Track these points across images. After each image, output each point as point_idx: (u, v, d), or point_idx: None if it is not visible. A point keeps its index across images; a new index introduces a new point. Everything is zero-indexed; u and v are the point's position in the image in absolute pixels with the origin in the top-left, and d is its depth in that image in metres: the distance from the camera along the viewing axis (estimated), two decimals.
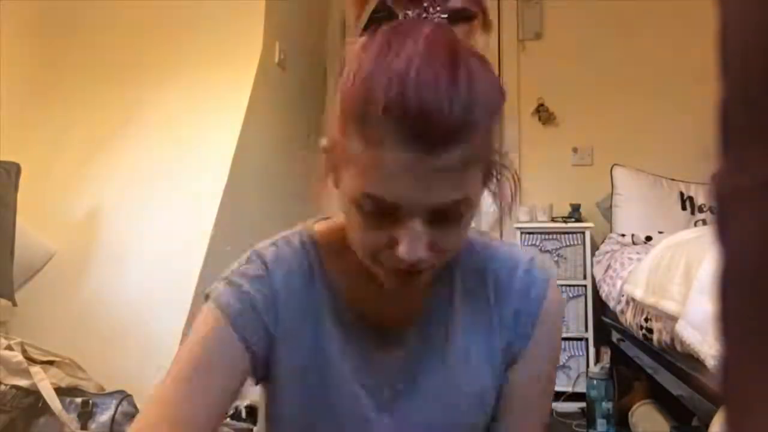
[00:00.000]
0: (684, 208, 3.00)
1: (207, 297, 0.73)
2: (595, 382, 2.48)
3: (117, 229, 2.26)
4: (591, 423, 2.49)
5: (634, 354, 2.43)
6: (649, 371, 2.24)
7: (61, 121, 2.57)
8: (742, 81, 0.25)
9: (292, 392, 0.72)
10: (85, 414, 1.68)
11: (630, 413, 2.52)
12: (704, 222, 2.92)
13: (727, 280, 0.26)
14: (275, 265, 0.72)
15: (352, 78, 0.58)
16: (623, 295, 2.32)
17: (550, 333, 0.76)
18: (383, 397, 0.72)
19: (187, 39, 2.55)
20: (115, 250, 2.22)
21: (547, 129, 3.48)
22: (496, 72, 2.98)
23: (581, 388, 2.76)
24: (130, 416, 1.72)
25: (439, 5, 0.61)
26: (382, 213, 0.59)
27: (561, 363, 3.00)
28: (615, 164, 3.13)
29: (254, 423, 1.66)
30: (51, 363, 1.74)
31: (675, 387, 1.88)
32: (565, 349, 3.01)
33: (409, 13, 0.61)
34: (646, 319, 2.00)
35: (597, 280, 2.83)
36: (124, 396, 1.74)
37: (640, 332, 2.07)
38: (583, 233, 3.04)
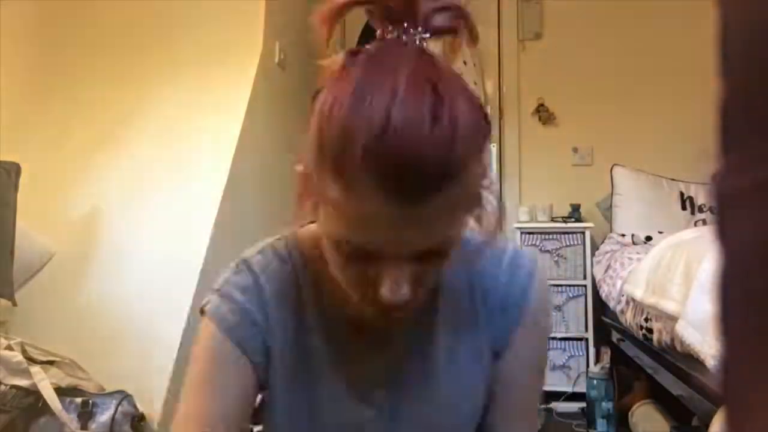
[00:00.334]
0: (684, 208, 3.00)
1: (202, 311, 0.73)
2: (595, 382, 2.48)
3: (117, 229, 2.26)
4: (591, 423, 2.49)
5: (634, 354, 2.43)
6: (649, 371, 2.24)
7: (61, 121, 2.57)
8: (742, 81, 0.25)
9: (285, 399, 0.73)
10: (85, 414, 1.68)
11: (630, 413, 2.53)
12: (704, 222, 2.92)
13: (727, 280, 0.26)
14: (264, 275, 0.72)
15: (329, 114, 0.54)
16: (623, 295, 2.32)
17: (538, 322, 0.76)
18: (374, 400, 0.73)
19: (187, 39, 2.55)
20: (115, 250, 2.22)
21: (547, 129, 3.48)
22: (497, 72, 2.94)
23: (581, 388, 2.76)
24: (130, 416, 1.72)
25: (420, 25, 0.57)
26: (362, 255, 0.57)
27: (561, 363, 3.00)
28: (615, 164, 3.13)
29: (257, 423, 1.65)
30: (51, 363, 1.74)
31: (675, 387, 1.88)
32: (565, 349, 3.01)
33: (390, 31, 0.57)
34: (646, 319, 2.00)
35: (597, 280, 2.83)
36: (124, 396, 1.74)
37: (640, 332, 2.07)
38: (583, 233, 3.04)
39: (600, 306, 2.90)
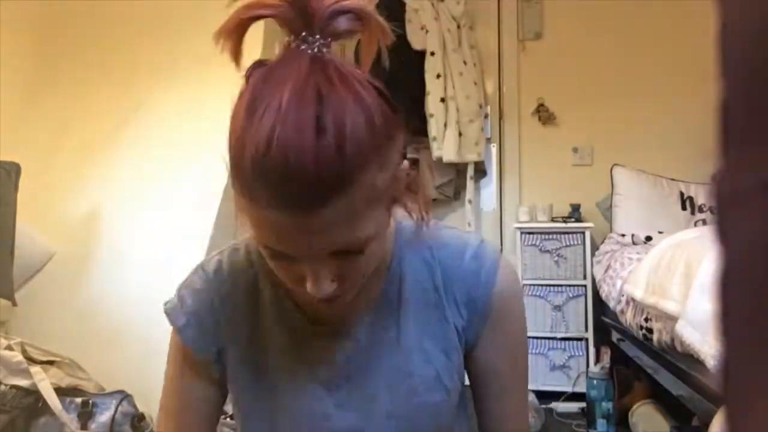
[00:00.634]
0: (684, 208, 3.00)
1: (164, 310, 0.80)
2: (595, 382, 2.48)
3: (117, 229, 2.27)
4: (591, 423, 2.49)
5: (634, 354, 2.43)
6: (649, 371, 2.24)
7: (61, 121, 2.58)
8: (742, 81, 0.25)
9: (249, 394, 0.77)
10: (85, 414, 1.68)
11: (630, 413, 2.53)
12: (704, 222, 2.92)
13: (727, 280, 0.26)
14: (217, 275, 0.77)
15: (230, 128, 0.59)
16: (623, 295, 2.32)
17: (507, 309, 0.77)
18: (341, 391, 0.75)
19: (187, 39, 2.55)
20: (115, 250, 2.22)
21: (547, 129, 3.48)
22: (497, 72, 2.94)
23: (581, 388, 2.76)
24: (130, 416, 1.72)
25: (317, 32, 0.59)
26: (283, 256, 0.60)
27: (561, 363, 3.00)
28: (615, 164, 3.13)
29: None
30: (51, 363, 1.74)
31: (675, 387, 1.88)
32: (565, 349, 3.01)
33: (291, 41, 0.60)
34: (646, 319, 2.00)
35: (597, 280, 2.83)
36: (124, 396, 1.74)
37: (640, 332, 2.07)
38: (583, 233, 3.04)
39: (600, 306, 2.89)
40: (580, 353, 2.99)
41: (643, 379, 2.60)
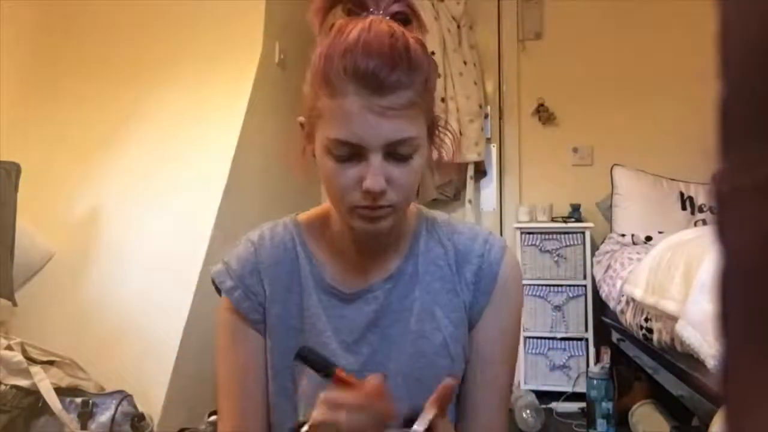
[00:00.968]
0: (684, 208, 3.00)
1: (212, 278, 0.89)
2: (595, 382, 2.48)
3: (117, 229, 2.26)
4: (591, 423, 2.49)
5: (634, 354, 2.43)
6: (649, 371, 2.25)
7: (61, 121, 2.57)
8: (742, 81, 0.25)
9: (280, 353, 0.85)
10: (85, 414, 1.68)
11: (630, 413, 2.53)
12: (704, 222, 2.92)
13: (727, 280, 0.26)
14: (260, 244, 0.88)
15: (317, 57, 0.74)
16: (623, 295, 2.32)
17: (509, 293, 0.87)
18: (359, 351, 0.84)
19: (188, 39, 2.55)
20: (115, 250, 2.22)
21: (547, 129, 3.48)
22: (497, 72, 2.97)
23: (581, 388, 2.76)
24: (130, 416, 1.72)
25: (380, 9, 0.77)
26: (348, 155, 0.73)
27: (561, 363, 3.00)
28: (615, 164, 3.13)
29: None
30: (51, 363, 1.74)
31: (675, 387, 1.89)
32: (565, 349, 3.01)
33: (357, 14, 0.77)
34: (646, 319, 2.00)
35: (597, 280, 2.83)
36: (124, 396, 1.74)
37: (640, 332, 2.07)
38: (583, 233, 3.04)
39: (600, 306, 2.90)
40: (580, 353, 2.99)
41: (643, 379, 2.60)
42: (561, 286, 3.03)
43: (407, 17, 0.78)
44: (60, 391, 1.67)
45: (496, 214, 3.51)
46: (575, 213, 3.17)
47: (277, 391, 0.85)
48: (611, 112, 3.38)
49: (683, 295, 1.56)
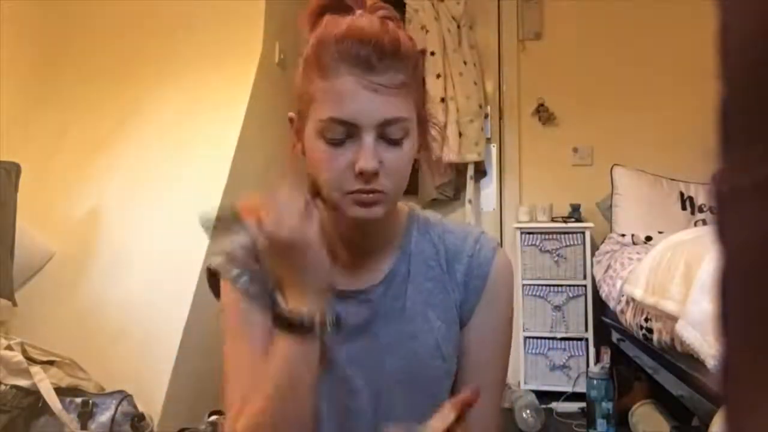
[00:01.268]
0: (684, 208, 3.00)
1: (209, 270, 0.88)
2: (595, 382, 2.48)
3: (117, 229, 2.26)
4: (591, 423, 2.49)
5: (634, 354, 2.43)
6: (649, 371, 2.24)
7: (61, 121, 2.58)
8: (742, 81, 0.25)
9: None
10: (85, 414, 1.68)
11: (630, 413, 2.52)
12: (704, 222, 2.92)
13: (727, 280, 0.26)
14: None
15: (310, 45, 0.77)
16: (623, 295, 2.32)
17: (500, 292, 0.87)
18: (353, 350, 0.83)
19: (188, 39, 2.55)
20: (115, 250, 2.22)
21: (547, 129, 3.48)
22: (497, 72, 2.97)
23: (581, 388, 2.76)
24: (130, 416, 1.72)
25: (364, 8, 0.79)
26: (342, 137, 0.74)
27: (561, 363, 3.00)
28: (615, 164, 3.13)
29: None
30: (51, 363, 1.74)
31: (675, 387, 1.88)
32: (565, 349, 3.01)
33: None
34: (646, 319, 2.00)
35: (597, 280, 2.83)
36: (124, 396, 1.74)
37: (640, 332, 2.07)
38: (583, 233, 3.04)
39: (600, 306, 2.90)
40: (580, 353, 2.99)
41: (643, 379, 2.60)
42: (561, 286, 3.03)
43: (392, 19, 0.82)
44: (60, 391, 1.67)
45: (496, 214, 3.51)
46: (575, 213, 3.17)
47: None
48: (611, 112, 3.38)
49: (683, 295, 1.56)
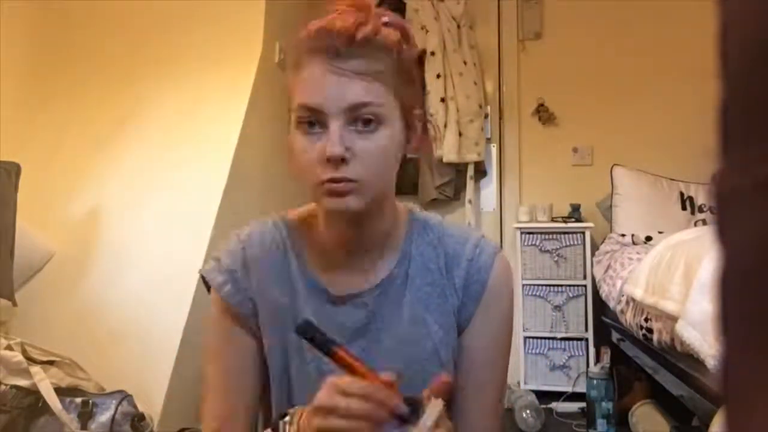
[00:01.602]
0: (684, 208, 3.00)
1: (201, 275, 0.88)
2: (595, 382, 2.48)
3: (117, 229, 2.26)
4: (591, 423, 2.49)
5: (634, 354, 2.43)
6: (649, 371, 2.24)
7: (61, 121, 2.58)
8: (742, 81, 0.25)
9: (275, 347, 0.84)
10: (85, 414, 1.68)
11: (630, 413, 2.52)
12: (704, 222, 2.92)
13: (727, 280, 0.26)
14: (248, 239, 0.86)
15: (292, 47, 0.78)
16: (623, 295, 2.32)
17: (499, 298, 0.85)
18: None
19: (188, 39, 2.55)
20: (115, 250, 2.22)
21: (547, 129, 3.48)
22: (497, 72, 2.96)
23: (581, 388, 2.76)
24: (130, 416, 1.72)
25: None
26: (313, 124, 0.74)
27: (561, 363, 3.00)
28: (615, 164, 3.13)
29: None
30: (51, 363, 1.74)
31: (675, 387, 1.88)
32: (565, 349, 3.01)
33: None
34: (646, 319, 2.00)
35: (597, 280, 2.83)
36: (124, 396, 1.74)
37: (640, 332, 2.07)
38: (583, 233, 3.04)
39: (600, 306, 2.90)
40: (580, 353, 2.99)
41: (643, 379, 2.60)
42: (561, 286, 3.03)
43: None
44: (60, 391, 1.67)
45: (496, 214, 3.51)
46: (575, 213, 3.17)
47: (279, 393, 0.84)
48: (611, 112, 3.38)
49: (683, 295, 1.56)
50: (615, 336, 2.81)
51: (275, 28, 2.70)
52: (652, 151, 3.25)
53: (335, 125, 0.73)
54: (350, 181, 0.73)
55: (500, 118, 3.53)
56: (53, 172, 2.44)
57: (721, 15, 0.26)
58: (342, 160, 0.72)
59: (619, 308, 2.40)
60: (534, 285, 3.05)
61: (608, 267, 2.70)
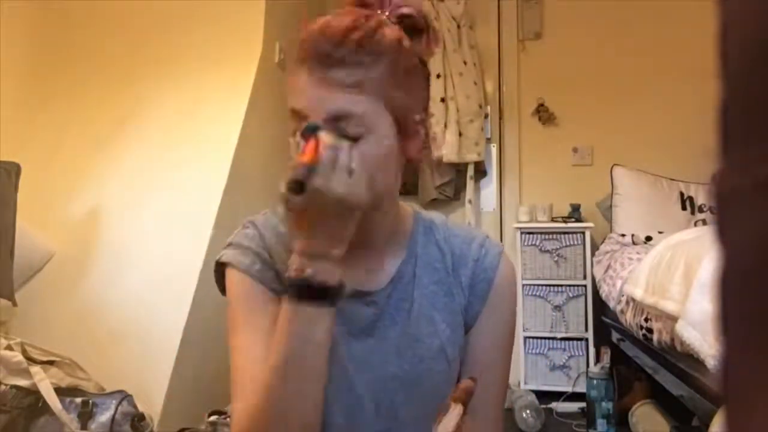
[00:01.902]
0: (684, 208, 3.00)
1: (219, 264, 0.85)
2: (595, 382, 2.48)
3: (117, 229, 2.26)
4: (591, 423, 2.49)
5: (634, 354, 2.43)
6: (649, 371, 2.25)
7: (61, 121, 2.58)
8: (742, 81, 0.25)
9: None
10: (85, 414, 1.68)
11: (630, 413, 2.52)
12: (704, 222, 2.92)
13: (727, 280, 0.26)
14: (265, 227, 0.85)
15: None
16: (623, 295, 2.32)
17: (504, 297, 0.87)
18: (358, 351, 0.82)
19: (188, 39, 2.55)
20: (115, 250, 2.22)
21: (547, 129, 3.48)
22: (497, 72, 2.96)
23: (581, 388, 2.76)
24: (130, 416, 1.72)
25: (387, 10, 0.78)
26: (301, 125, 0.72)
27: (561, 363, 3.00)
28: (615, 164, 3.13)
29: None
30: (51, 363, 1.74)
31: (675, 387, 1.88)
32: (565, 349, 3.01)
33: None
34: (646, 319, 2.00)
35: (597, 280, 2.83)
36: (124, 396, 1.74)
37: (640, 332, 2.07)
38: (583, 233, 3.04)
39: (600, 306, 2.90)
40: (580, 353, 2.99)
41: (643, 379, 2.60)
42: (561, 286, 3.03)
43: (416, 24, 0.79)
44: (60, 391, 1.67)
45: (496, 214, 3.51)
46: (575, 213, 3.17)
47: None
48: (611, 112, 3.38)
49: (683, 295, 1.56)
50: (615, 336, 2.81)
51: (275, 28, 2.70)
52: (652, 151, 3.25)
53: (320, 135, 0.71)
54: None
55: (500, 118, 3.53)
56: (53, 172, 2.44)
57: (721, 15, 0.26)
58: None
59: (619, 308, 2.40)
60: (534, 285, 3.05)
61: (608, 267, 2.70)
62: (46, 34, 2.71)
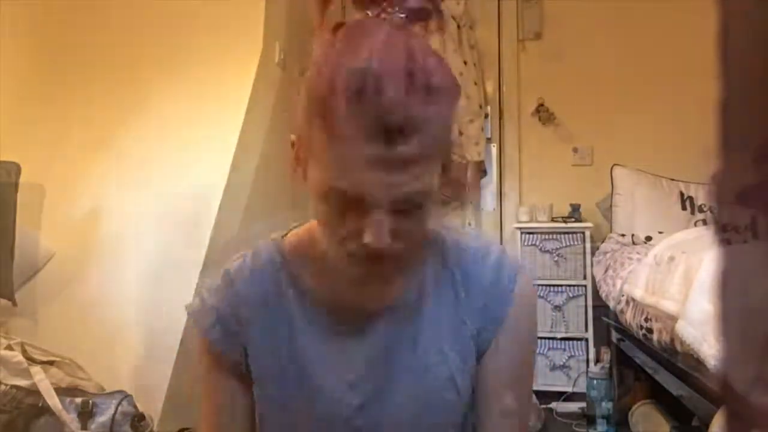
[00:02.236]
0: (684, 208, 3.00)
1: (187, 312, 0.82)
2: (595, 382, 2.48)
3: (117, 229, 2.26)
4: (591, 423, 2.49)
5: (634, 354, 2.43)
6: (649, 371, 2.24)
7: (61, 120, 2.57)
8: (742, 81, 0.25)
9: (273, 393, 0.78)
10: (85, 414, 1.68)
11: (630, 413, 2.52)
12: (704, 222, 2.92)
13: (727, 280, 0.26)
14: (238, 275, 0.78)
15: (317, 74, 0.61)
16: (623, 295, 2.32)
17: (522, 318, 0.78)
18: (361, 388, 0.76)
19: (187, 39, 2.55)
20: (115, 250, 2.22)
21: (547, 129, 3.48)
22: (497, 72, 2.96)
23: (581, 388, 2.76)
24: (130, 416, 1.72)
25: (397, 5, 0.65)
26: (347, 204, 0.62)
27: (561, 363, 3.00)
28: (615, 164, 3.13)
29: None
30: (51, 363, 1.74)
31: (675, 387, 1.88)
32: (565, 349, 3.01)
33: (369, 12, 0.65)
34: (646, 319, 2.00)
35: (597, 280, 2.83)
36: (124, 396, 1.74)
37: (640, 332, 2.07)
38: (583, 233, 3.04)
39: (600, 306, 2.89)
40: (580, 353, 2.98)
41: (643, 379, 2.60)
42: (561, 286, 3.03)
43: (427, 16, 0.68)
44: (60, 391, 1.67)
45: (496, 214, 3.51)
46: (575, 213, 3.17)
47: None
48: (611, 112, 3.38)
49: (683, 295, 1.56)
50: (615, 336, 2.81)
51: (275, 28, 2.70)
52: (652, 151, 3.25)
53: (377, 216, 0.61)
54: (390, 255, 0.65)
55: (500, 118, 3.53)
56: (53, 172, 2.44)
57: (721, 16, 0.26)
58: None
59: (619, 308, 2.40)
60: (534, 285, 3.04)
61: (608, 267, 2.70)
62: (46, 34, 2.71)
